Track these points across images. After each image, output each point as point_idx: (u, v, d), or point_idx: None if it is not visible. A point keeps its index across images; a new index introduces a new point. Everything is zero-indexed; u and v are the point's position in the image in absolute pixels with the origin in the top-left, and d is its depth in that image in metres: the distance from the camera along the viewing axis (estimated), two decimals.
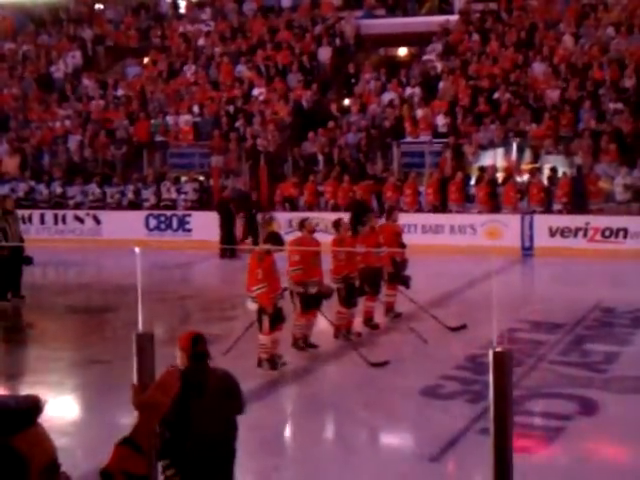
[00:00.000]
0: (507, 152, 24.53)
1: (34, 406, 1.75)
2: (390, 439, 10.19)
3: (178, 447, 5.95)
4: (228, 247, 22.49)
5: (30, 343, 15.43)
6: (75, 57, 33.44)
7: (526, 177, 23.58)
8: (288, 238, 15.24)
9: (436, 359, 12.67)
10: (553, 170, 23.14)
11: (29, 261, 17.73)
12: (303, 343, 12.87)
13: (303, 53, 29.96)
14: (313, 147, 26.06)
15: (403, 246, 15.81)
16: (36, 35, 35.66)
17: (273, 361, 11.83)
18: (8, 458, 1.67)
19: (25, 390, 11.53)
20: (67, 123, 29.84)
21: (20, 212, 20.64)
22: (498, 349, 4.68)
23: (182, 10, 35.92)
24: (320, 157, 25.76)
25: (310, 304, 12.57)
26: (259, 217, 23.85)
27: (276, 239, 12.18)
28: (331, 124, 26.40)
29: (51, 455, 1.77)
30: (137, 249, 6.24)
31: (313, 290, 12.51)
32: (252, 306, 11.92)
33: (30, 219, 25.84)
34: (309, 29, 31.21)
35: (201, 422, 5.99)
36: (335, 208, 23.36)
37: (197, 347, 6.19)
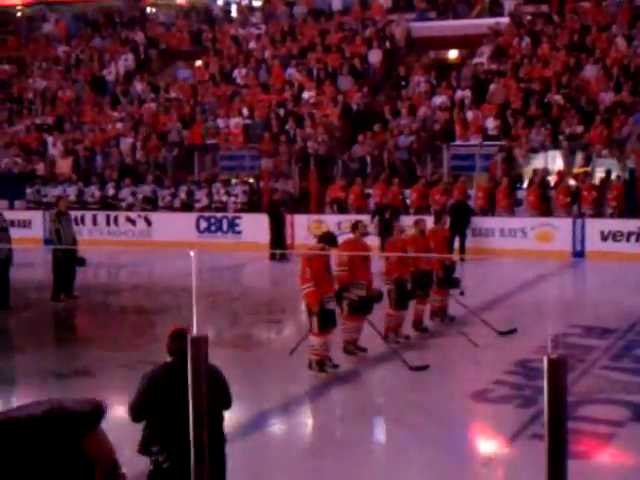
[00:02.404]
0: (558, 155, 24.34)
1: (98, 409, 1.81)
2: (440, 443, 10.15)
3: (168, 434, 6.15)
4: (278, 250, 22.61)
5: (82, 343, 15.59)
6: (127, 60, 33.77)
7: (577, 180, 23.40)
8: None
9: (486, 363, 12.62)
10: (607, 173, 22.91)
11: (82, 262, 17.93)
12: (353, 347, 12.87)
13: (353, 56, 29.97)
14: (362, 150, 26.07)
15: (452, 250, 15.79)
16: (89, 38, 36.08)
17: (322, 363, 11.85)
18: (78, 460, 1.72)
19: (77, 391, 11.66)
20: (119, 126, 30.16)
21: (73, 213, 20.92)
22: (553, 355, 4.65)
23: (233, 13, 36.12)
24: (369, 160, 25.77)
25: (358, 308, 12.55)
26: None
27: (330, 239, 12.16)
28: (380, 127, 26.39)
29: (113, 456, 1.82)
30: (192, 252, 6.32)
31: (362, 293, 12.48)
32: (300, 306, 11.96)
33: (82, 220, 26.15)
34: (359, 32, 31.23)
35: (183, 414, 6.13)
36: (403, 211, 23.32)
37: (177, 342, 6.34)
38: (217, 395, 6.33)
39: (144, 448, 6.37)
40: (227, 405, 6.54)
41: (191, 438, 6.04)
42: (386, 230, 19.86)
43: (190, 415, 6.06)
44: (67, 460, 1.71)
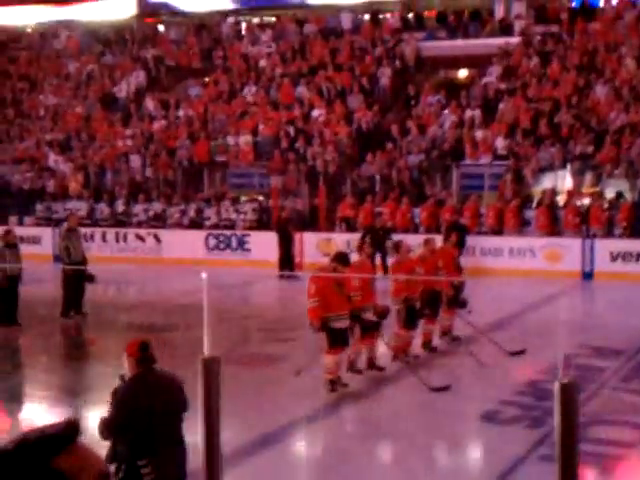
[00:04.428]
0: (568, 175, 24.35)
1: (72, 427, 1.85)
2: (449, 463, 10.15)
3: (152, 446, 6.34)
4: (286, 270, 22.67)
5: (91, 360, 15.62)
6: (138, 77, 33.92)
7: (587, 200, 23.39)
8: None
9: (495, 384, 12.61)
10: (619, 195, 22.87)
11: (91, 279, 17.98)
12: (369, 365, 12.88)
13: (363, 75, 30.06)
14: (372, 169, 26.12)
15: (460, 269, 15.80)
16: (101, 55, 36.24)
17: (333, 382, 11.86)
18: (50, 479, 1.77)
19: (87, 407, 11.69)
20: (129, 142, 30.26)
21: (83, 230, 20.98)
22: (564, 380, 4.67)
23: (243, 31, 36.28)
24: (378, 178, 25.82)
25: (369, 328, 12.57)
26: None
27: (343, 259, 12.20)
28: (390, 146, 26.45)
29: (99, 468, 1.85)
30: (204, 274, 6.35)
31: (372, 317, 12.51)
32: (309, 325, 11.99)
33: (92, 237, 26.21)
34: (369, 51, 31.33)
35: (158, 421, 6.41)
36: (393, 230, 23.38)
37: (145, 352, 6.52)
38: (177, 399, 6.63)
39: (118, 460, 6.44)
40: (184, 407, 6.73)
41: (202, 456, 6.09)
42: (379, 250, 20.08)
43: (202, 434, 6.10)
44: (40, 478, 1.76)
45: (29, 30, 40.72)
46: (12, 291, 17.07)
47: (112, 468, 6.38)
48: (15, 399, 12.72)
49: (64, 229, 19.10)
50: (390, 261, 14.17)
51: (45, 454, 1.76)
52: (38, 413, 11.80)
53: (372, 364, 12.92)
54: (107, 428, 6.52)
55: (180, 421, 6.62)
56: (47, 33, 39.19)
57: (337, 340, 11.75)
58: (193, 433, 6.34)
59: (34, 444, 1.76)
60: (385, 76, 29.96)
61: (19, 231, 20.97)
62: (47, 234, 26.75)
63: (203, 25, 36.98)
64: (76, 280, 17.90)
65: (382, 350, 13.15)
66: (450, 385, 12.13)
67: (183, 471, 6.68)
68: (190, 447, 6.68)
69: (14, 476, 1.73)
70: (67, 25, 38.60)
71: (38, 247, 26.40)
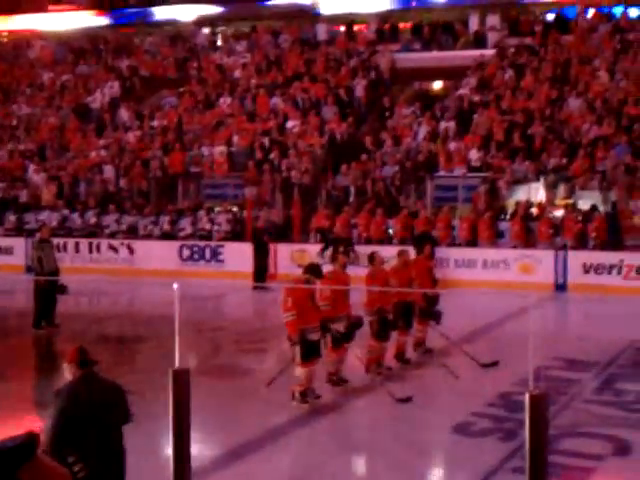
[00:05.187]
0: (541, 187, 24.45)
1: (31, 440, 1.86)
2: (421, 476, 10.13)
3: (84, 444, 6.34)
4: (259, 282, 22.62)
5: (63, 372, 15.49)
6: (113, 87, 33.84)
7: (560, 212, 23.50)
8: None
9: (468, 396, 12.61)
10: (592, 207, 22.96)
11: (63, 290, 17.86)
12: (336, 378, 12.86)
13: (338, 86, 30.12)
14: (346, 180, 26.15)
15: (435, 281, 15.82)
16: (74, 65, 36.12)
17: (305, 394, 11.82)
18: None
19: None
20: (103, 153, 30.14)
21: (55, 240, 20.85)
22: (534, 391, 4.67)
23: (219, 42, 36.28)
24: (352, 189, 25.85)
25: (340, 340, 12.55)
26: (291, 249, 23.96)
27: (316, 271, 12.18)
28: (364, 157, 26.48)
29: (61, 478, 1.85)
30: (175, 285, 6.32)
31: (341, 328, 12.48)
32: (283, 337, 11.96)
33: (65, 247, 26.04)
34: (344, 62, 31.40)
35: (97, 423, 6.44)
36: (368, 241, 23.42)
37: (84, 356, 6.63)
38: (119, 410, 6.66)
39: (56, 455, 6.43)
40: (127, 419, 6.75)
41: (172, 468, 6.05)
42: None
43: (172, 445, 6.06)
44: None
45: (3, 39, 40.54)
46: None
47: None
48: None
49: (37, 240, 18.96)
50: (364, 272, 14.12)
51: (10, 466, 1.75)
52: (7, 426, 11.69)
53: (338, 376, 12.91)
54: (52, 434, 6.50)
55: (119, 430, 6.60)
56: (21, 43, 39.04)
57: (310, 352, 11.72)
58: (164, 444, 6.30)
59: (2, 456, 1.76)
60: (360, 87, 30.03)
61: None
62: (19, 245, 26.58)
63: (178, 35, 36.98)
64: (48, 291, 17.78)
65: (354, 361, 13.12)
66: (412, 396, 12.10)
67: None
68: (161, 459, 6.64)
69: None
70: (41, 35, 38.47)
71: (10, 258, 26.25)
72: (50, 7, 39.46)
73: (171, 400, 5.81)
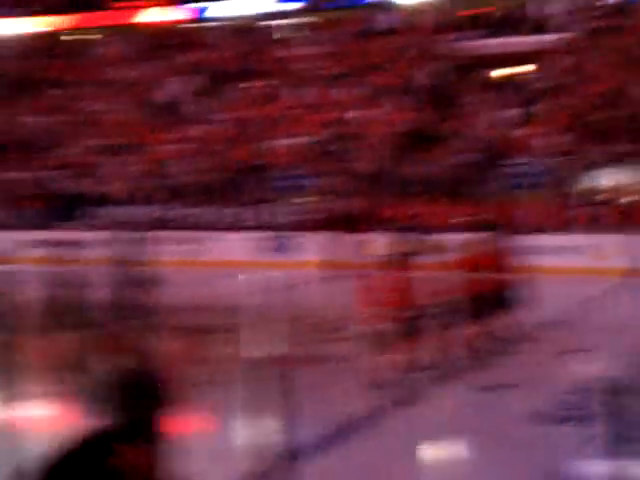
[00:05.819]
0: (615, 172, 24.16)
1: (127, 427, 1.93)
2: (503, 464, 10.09)
3: None
4: (331, 271, 22.64)
5: (150, 363, 15.66)
6: (180, 82, 34.07)
7: (632, 197, 23.21)
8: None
9: (548, 383, 12.53)
10: None
11: (143, 283, 18.12)
12: (414, 367, 12.85)
13: (404, 75, 30.01)
14: (415, 169, 26.06)
15: (509, 268, 15.71)
16: (143, 60, 36.44)
17: (385, 383, 11.84)
18: (109, 474, 1.86)
19: None
20: (172, 147, 30.41)
21: (126, 234, 21.09)
22: (615, 377, 4.67)
23: (282, 34, 36.34)
24: (423, 178, 25.75)
25: (415, 329, 12.53)
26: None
27: (394, 260, 12.19)
28: (434, 146, 26.37)
29: (152, 465, 1.96)
30: (246, 276, 6.40)
31: (416, 314, 12.47)
32: (361, 326, 12.00)
33: (150, 241, 26.25)
34: (409, 51, 31.26)
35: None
36: (440, 230, 23.33)
37: (123, 348, 6.76)
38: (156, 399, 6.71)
39: None
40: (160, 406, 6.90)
41: (271, 454, 6.09)
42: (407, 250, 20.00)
43: (269, 432, 6.12)
44: (101, 476, 1.82)
45: (73, 37, 41.05)
46: (66, 294, 17.31)
47: None
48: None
49: (120, 234, 19.29)
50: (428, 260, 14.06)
51: (104, 451, 1.88)
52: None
53: (417, 366, 12.90)
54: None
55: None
56: (91, 40, 39.51)
57: (389, 341, 11.76)
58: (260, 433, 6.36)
59: (92, 444, 1.82)
60: (427, 76, 29.87)
61: (64, 235, 21.12)
62: (92, 239, 26.89)
63: (241, 29, 37.11)
64: (128, 284, 18.06)
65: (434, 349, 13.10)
66: (501, 384, 12.07)
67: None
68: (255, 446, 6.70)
69: (76, 475, 1.79)
70: (110, 31, 38.91)
71: (86, 251, 26.55)
72: (118, 4, 39.86)
73: (258, 387, 5.87)
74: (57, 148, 32.79)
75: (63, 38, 40.99)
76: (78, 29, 40.68)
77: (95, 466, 1.84)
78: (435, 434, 10.84)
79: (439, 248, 14.03)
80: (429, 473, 9.58)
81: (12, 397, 7.31)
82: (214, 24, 39.16)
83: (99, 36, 39.38)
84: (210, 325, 18.45)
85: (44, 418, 11.79)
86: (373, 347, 11.88)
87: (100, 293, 18.76)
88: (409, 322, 12.42)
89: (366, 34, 33.50)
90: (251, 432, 10.00)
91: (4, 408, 7.23)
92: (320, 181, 26.91)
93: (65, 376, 14.14)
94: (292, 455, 6.06)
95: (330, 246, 23.61)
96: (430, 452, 10.43)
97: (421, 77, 29.88)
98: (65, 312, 17.31)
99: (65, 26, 40.84)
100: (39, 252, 23.99)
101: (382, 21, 34.08)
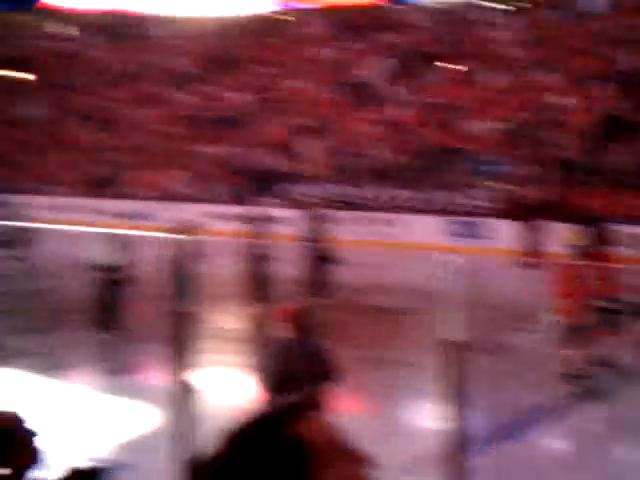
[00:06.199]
0: None
1: (304, 399, 1.99)
2: None
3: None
4: (528, 260, 22.31)
5: (333, 341, 16.00)
6: (384, 63, 34.28)
7: None
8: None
9: None
10: None
11: (335, 261, 18.46)
12: (606, 362, 12.55)
13: (612, 60, 29.10)
14: (620, 157, 25.31)
15: None
16: (348, 41, 36.85)
17: (576, 377, 11.64)
18: (285, 446, 1.86)
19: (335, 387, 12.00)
20: (376, 128, 30.67)
21: (326, 213, 21.48)
22: None
23: (490, 17, 35.90)
24: (628, 167, 24.99)
25: (611, 322, 12.22)
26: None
27: (591, 250, 11.96)
28: (631, 134, 25.49)
29: (335, 437, 1.90)
30: (436, 255, 6.44)
31: (615, 306, 12.16)
32: (551, 316, 11.83)
33: (336, 220, 26.70)
34: (621, 36, 30.26)
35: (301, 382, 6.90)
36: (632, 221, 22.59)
37: (301, 319, 7.03)
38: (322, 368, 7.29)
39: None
40: (329, 376, 7.23)
41: (446, 439, 6.15)
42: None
43: (447, 417, 6.18)
44: (277, 448, 1.85)
45: (281, 17, 41.94)
46: (261, 269, 17.85)
47: None
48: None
49: (310, 212, 19.69)
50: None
51: (281, 422, 1.87)
52: None
53: (608, 361, 12.59)
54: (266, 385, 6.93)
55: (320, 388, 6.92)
56: (298, 20, 40.25)
57: (581, 333, 11.55)
58: (434, 417, 6.43)
59: (273, 415, 1.91)
60: (633, 62, 28.84)
61: (269, 212, 21.69)
62: (292, 216, 27.49)
63: (449, 11, 36.90)
64: (321, 262, 18.43)
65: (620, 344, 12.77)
66: None
67: None
68: (431, 431, 6.77)
69: (255, 444, 1.85)
70: (317, 12, 39.52)
71: (285, 228, 27.20)
72: None
73: (444, 372, 5.92)
74: (256, 125, 33.63)
75: (277, 17, 41.90)
76: (288, 9, 41.47)
77: (274, 438, 1.86)
78: (623, 433, 10.60)
79: (633, 240, 13.60)
80: (616, 471, 9.37)
81: (192, 367, 7.65)
82: (413, 5, 39.08)
83: (308, 15, 40.00)
84: (397, 307, 18.63)
85: (223, 389, 12.26)
86: (563, 339, 11.68)
87: (289, 269, 19.28)
88: (603, 315, 12.15)
89: (579, 17, 32.63)
90: (427, 416, 10.09)
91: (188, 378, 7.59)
92: (514, 167, 26.52)
93: (246, 348, 14.66)
94: (465, 443, 6.09)
95: (522, 234, 23.28)
96: (619, 450, 10.21)
97: (623, 62, 28.86)
98: (253, 285, 17.88)
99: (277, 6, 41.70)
100: (233, 226, 24.76)
101: (599, 3, 33.07)
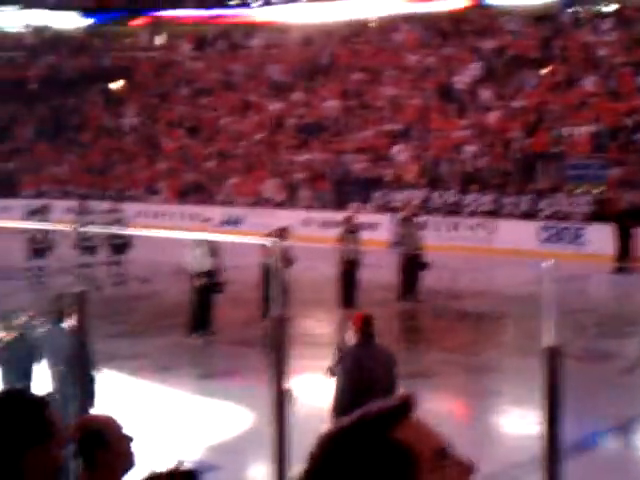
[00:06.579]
0: None
1: (407, 401, 1.93)
2: None
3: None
4: (623, 264, 21.99)
5: (423, 345, 16.05)
6: (475, 68, 34.12)
7: None
8: None
9: None
10: None
11: (426, 266, 18.46)
12: None
13: None
14: None
15: None
16: (439, 47, 36.78)
17: None
18: (388, 450, 1.81)
19: (426, 392, 12.05)
20: (464, 133, 30.55)
21: (418, 218, 21.49)
22: None
23: (583, 20, 35.48)
24: None
25: None
26: None
27: None
28: None
29: (437, 442, 1.84)
30: (545, 264, 6.44)
31: None
32: None
33: (427, 225, 26.68)
34: None
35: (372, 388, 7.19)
36: None
37: (368, 326, 7.09)
38: (392, 375, 7.48)
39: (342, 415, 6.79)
40: (395, 383, 7.58)
41: (543, 445, 6.16)
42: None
43: (544, 422, 6.19)
44: (379, 452, 1.81)
45: (372, 24, 42.08)
46: (351, 275, 17.90)
47: None
48: None
49: (401, 217, 19.74)
50: None
51: (382, 426, 1.82)
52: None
53: None
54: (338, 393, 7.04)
55: (389, 393, 6.96)
56: (388, 26, 40.33)
57: None
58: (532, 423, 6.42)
59: (372, 419, 1.89)
60: None
61: (359, 218, 21.78)
62: (384, 221, 27.55)
63: (543, 14, 36.56)
64: (411, 267, 18.46)
65: None
66: None
67: None
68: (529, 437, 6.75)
69: (357, 448, 1.81)
70: (407, 18, 39.56)
71: (376, 233, 27.28)
72: None
73: (543, 378, 5.95)
74: (349, 132, 33.76)
75: (368, 24, 42.04)
76: (381, 16, 41.58)
77: (377, 442, 1.81)
78: None
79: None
80: None
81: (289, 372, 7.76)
82: (515, 9, 38.81)
83: (400, 22, 40.02)
84: (490, 312, 18.53)
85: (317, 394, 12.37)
86: None
87: (381, 274, 19.33)
88: None
89: None
90: (521, 422, 10.06)
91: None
92: (617, 171, 26.08)
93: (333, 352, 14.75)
94: (557, 451, 6.08)
95: (615, 238, 22.91)
96: None
97: None
98: (344, 291, 17.94)
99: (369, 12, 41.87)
100: (325, 232, 24.93)
101: None
